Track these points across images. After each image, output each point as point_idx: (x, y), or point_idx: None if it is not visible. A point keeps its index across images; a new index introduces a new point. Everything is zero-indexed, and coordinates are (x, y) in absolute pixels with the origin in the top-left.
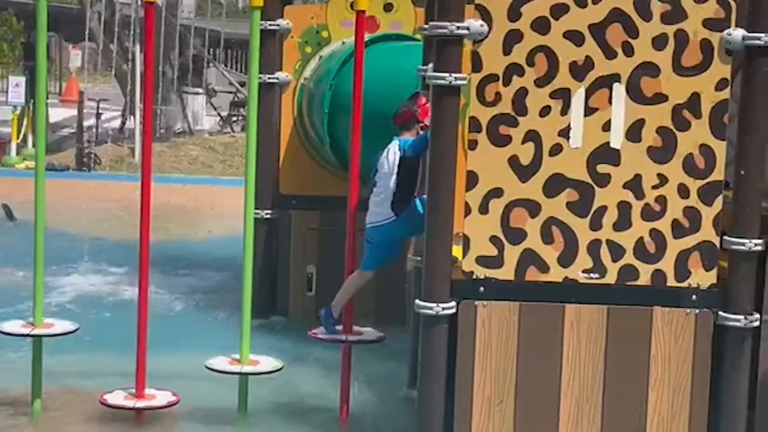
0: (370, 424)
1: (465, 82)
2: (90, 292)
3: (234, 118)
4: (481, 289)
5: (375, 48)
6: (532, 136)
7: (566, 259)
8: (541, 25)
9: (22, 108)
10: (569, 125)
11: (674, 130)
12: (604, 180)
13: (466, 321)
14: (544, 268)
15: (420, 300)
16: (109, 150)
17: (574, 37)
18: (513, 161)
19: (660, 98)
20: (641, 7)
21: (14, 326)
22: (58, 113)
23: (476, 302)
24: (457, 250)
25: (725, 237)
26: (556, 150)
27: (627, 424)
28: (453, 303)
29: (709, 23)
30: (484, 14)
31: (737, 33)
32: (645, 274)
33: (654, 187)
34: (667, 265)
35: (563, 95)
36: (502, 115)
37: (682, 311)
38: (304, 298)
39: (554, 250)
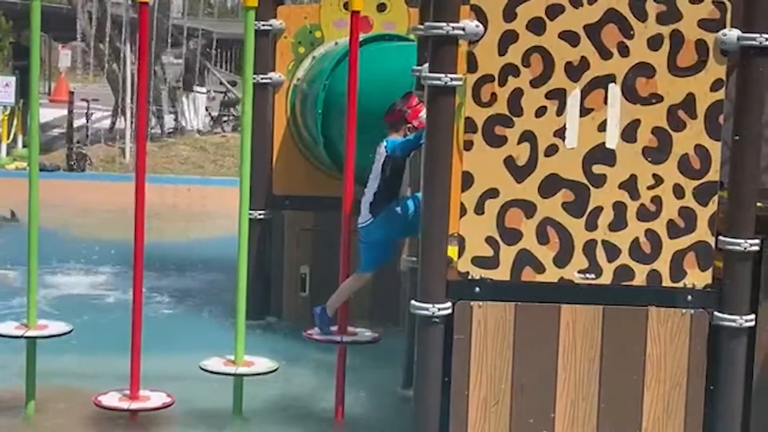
0: (365, 425)
1: (461, 82)
2: (83, 293)
3: (224, 118)
4: (477, 289)
5: (369, 48)
6: (527, 136)
7: (562, 259)
8: (536, 26)
9: (12, 108)
10: (565, 126)
11: (669, 130)
12: (599, 180)
13: (461, 321)
14: (539, 268)
15: (415, 301)
16: (100, 150)
17: (569, 37)
18: (508, 162)
19: (655, 98)
20: (636, 7)
21: (8, 328)
22: (47, 113)
23: (472, 303)
24: (452, 251)
25: (720, 237)
26: (551, 150)
27: (623, 425)
28: (449, 303)
29: (704, 24)
30: (480, 15)
31: (732, 33)
32: (640, 275)
33: (649, 188)
34: (662, 265)
35: (559, 96)
36: (497, 116)
37: (677, 311)
38: (297, 299)
39: (550, 251)
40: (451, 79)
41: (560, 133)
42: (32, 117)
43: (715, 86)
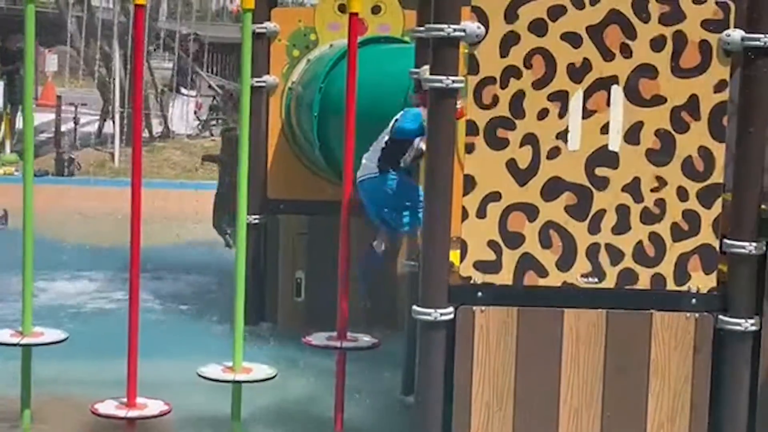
0: None
1: (462, 84)
2: (77, 299)
3: (213, 122)
4: (479, 294)
5: (365, 51)
6: (529, 139)
7: (565, 263)
8: (538, 27)
9: None
10: (567, 128)
11: (673, 132)
12: (602, 183)
13: (464, 327)
14: (542, 272)
15: (417, 306)
16: (89, 154)
17: (571, 38)
18: (511, 165)
19: (658, 100)
20: (639, 8)
21: (2, 335)
22: (34, 117)
23: (474, 308)
24: (453, 255)
25: (725, 240)
26: (554, 153)
27: (627, 430)
28: (451, 309)
29: (707, 24)
30: (481, 16)
31: (736, 34)
32: (644, 278)
33: (653, 190)
34: (666, 268)
35: (561, 98)
36: (499, 118)
37: (681, 315)
38: (293, 304)
39: (553, 255)
40: (453, 81)
41: (562, 135)
42: (26, 122)
43: (719, 87)
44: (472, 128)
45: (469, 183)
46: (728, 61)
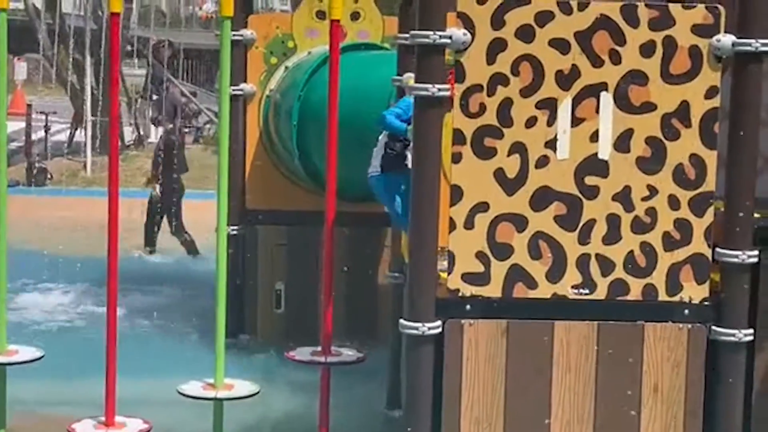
0: None
1: (448, 93)
2: (51, 312)
3: (186, 130)
4: (468, 307)
5: (345, 58)
6: (517, 147)
7: (555, 274)
8: (525, 33)
9: None
10: (556, 136)
11: (664, 139)
12: (592, 192)
13: (452, 340)
14: (532, 284)
15: (404, 320)
16: (61, 164)
17: (559, 45)
18: (498, 174)
19: (649, 107)
20: (628, 13)
21: None
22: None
23: (463, 321)
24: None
25: (717, 249)
26: (542, 162)
27: None
28: (439, 322)
29: (697, 29)
30: (467, 22)
31: (726, 39)
32: (636, 289)
33: (644, 199)
34: (658, 279)
35: (549, 105)
36: (486, 127)
37: (674, 326)
38: (272, 316)
39: (542, 266)
40: (439, 89)
41: (551, 144)
42: (0, 134)
43: (710, 93)
44: (459, 137)
45: (457, 193)
46: (719, 67)
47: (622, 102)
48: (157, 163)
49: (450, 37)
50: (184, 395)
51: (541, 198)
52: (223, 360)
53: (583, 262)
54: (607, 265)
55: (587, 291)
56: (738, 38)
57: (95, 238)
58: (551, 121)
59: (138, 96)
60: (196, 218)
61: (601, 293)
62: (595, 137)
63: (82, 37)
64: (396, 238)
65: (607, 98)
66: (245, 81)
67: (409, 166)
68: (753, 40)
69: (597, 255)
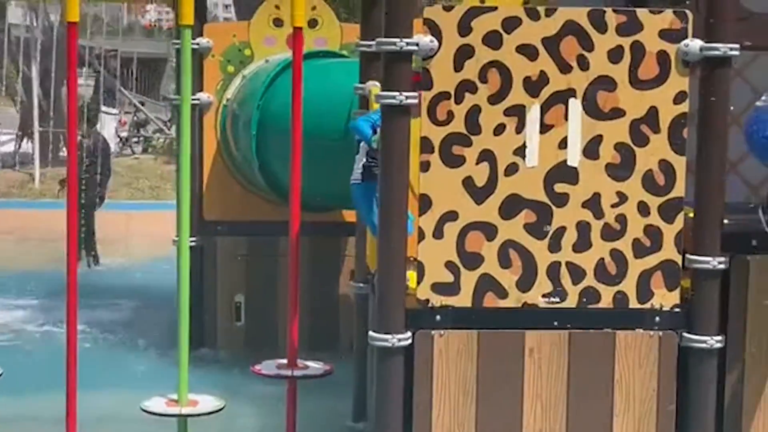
0: None
1: (416, 100)
2: (5, 328)
3: (135, 139)
4: (438, 317)
5: (304, 66)
6: (486, 155)
7: (525, 283)
8: (492, 40)
9: None
10: (524, 143)
11: (633, 145)
12: (561, 200)
13: (422, 352)
14: (502, 293)
15: (374, 332)
16: (7, 175)
17: (527, 51)
18: (467, 183)
19: (617, 113)
20: (596, 19)
21: None
22: None
23: (433, 332)
24: (410, 276)
25: (688, 256)
26: (511, 170)
27: None
28: (409, 333)
29: (665, 34)
30: (433, 29)
31: (695, 44)
32: (606, 297)
33: (613, 206)
34: (628, 286)
35: (518, 112)
36: (454, 135)
37: (645, 334)
38: (232, 329)
39: (512, 275)
40: (406, 97)
41: (520, 151)
42: None
43: (678, 99)
44: (426, 145)
45: (425, 202)
46: (687, 72)
47: (590, 108)
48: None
49: (417, 44)
50: (148, 412)
51: (511, 206)
52: (186, 376)
53: (553, 270)
54: (577, 273)
55: (558, 299)
56: (706, 43)
57: (47, 250)
58: (520, 128)
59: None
60: (150, 230)
61: (572, 301)
62: (564, 144)
63: (29, 48)
64: (361, 248)
65: (575, 104)
66: (202, 90)
67: None
68: (721, 45)
69: (567, 263)
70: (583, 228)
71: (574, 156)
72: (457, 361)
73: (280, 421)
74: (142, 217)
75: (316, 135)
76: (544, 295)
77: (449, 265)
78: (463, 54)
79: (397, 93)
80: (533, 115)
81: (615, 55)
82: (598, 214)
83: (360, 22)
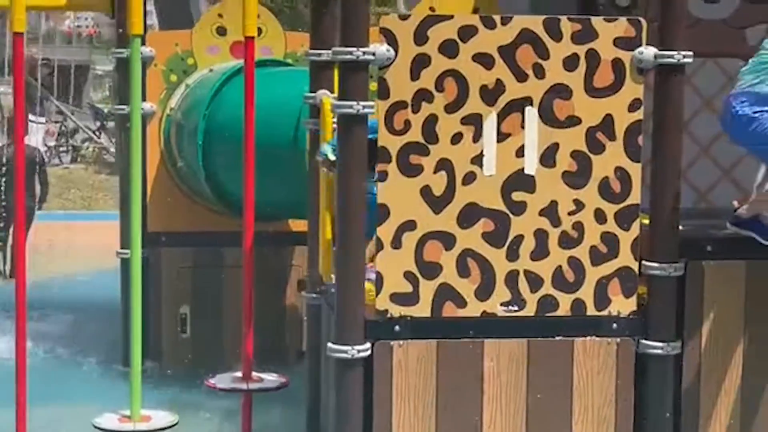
0: None
1: (373, 110)
2: None
3: (63, 149)
4: (397, 328)
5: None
6: (444, 164)
7: (483, 292)
8: (449, 49)
9: None
10: (482, 152)
11: (589, 153)
12: (519, 208)
13: (381, 363)
14: (461, 303)
15: (332, 343)
16: None
17: (483, 60)
18: (425, 192)
19: (573, 121)
20: (551, 27)
21: None
22: None
23: (392, 342)
24: (368, 287)
25: (644, 262)
26: (469, 179)
27: None
28: (368, 344)
29: (620, 42)
30: (390, 38)
31: (649, 51)
32: (564, 304)
33: (570, 213)
34: (586, 293)
35: (475, 121)
36: (412, 144)
37: (603, 341)
38: (178, 341)
39: (471, 284)
40: (363, 107)
41: (477, 160)
42: None
43: (633, 106)
44: (384, 155)
45: (384, 212)
46: (642, 80)
47: (546, 116)
48: None
49: (373, 54)
50: (100, 429)
51: (469, 215)
52: (139, 391)
53: (511, 278)
54: (535, 281)
55: (516, 308)
56: (660, 50)
57: None
58: (477, 137)
59: (10, 115)
60: (86, 241)
61: (530, 310)
62: (521, 152)
63: None
64: (314, 258)
65: (532, 113)
66: (144, 100)
67: None
68: (675, 52)
69: (525, 271)
70: (540, 236)
71: (531, 164)
72: (416, 371)
73: None
74: (76, 228)
75: (265, 144)
76: (502, 304)
77: (408, 275)
78: (420, 63)
79: (354, 102)
80: (490, 123)
81: (570, 63)
82: (556, 221)
83: (310, 30)
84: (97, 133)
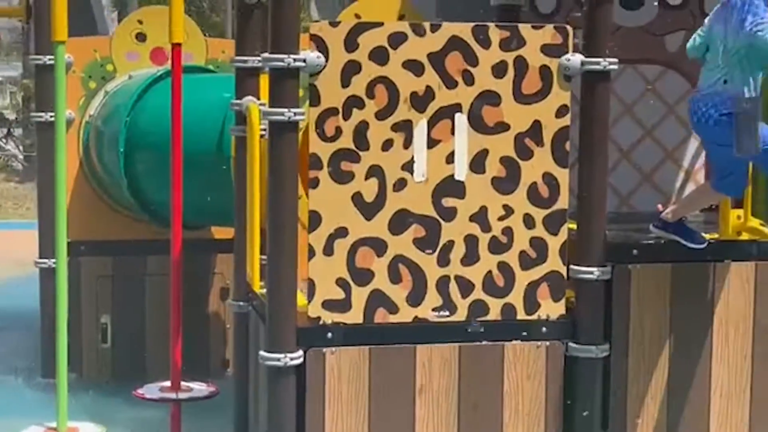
0: None
1: (304, 117)
2: None
3: None
4: (329, 334)
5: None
6: (375, 171)
7: (415, 298)
8: (379, 56)
9: None
10: (413, 158)
11: (518, 159)
12: (450, 214)
13: (314, 370)
14: (393, 308)
15: (265, 351)
16: None
17: (413, 67)
18: (356, 198)
19: (502, 127)
20: (479, 34)
21: None
22: None
23: (324, 349)
24: (299, 297)
25: (571, 267)
26: (400, 185)
27: None
28: (300, 352)
29: (547, 49)
30: (320, 45)
31: (576, 58)
32: (495, 309)
33: (500, 219)
34: (516, 297)
35: (405, 128)
36: (343, 151)
37: (532, 345)
38: (99, 351)
39: (403, 290)
40: (294, 113)
41: (408, 166)
42: None
43: (561, 112)
44: (315, 162)
45: (315, 219)
46: (569, 86)
47: (476, 123)
48: None
49: (304, 61)
50: None
51: (400, 221)
52: (66, 403)
53: (442, 284)
54: (466, 286)
55: (447, 313)
56: (587, 57)
57: None
58: (407, 144)
59: None
60: None
61: (461, 315)
62: (451, 158)
63: None
64: (240, 266)
65: (461, 119)
66: None
67: None
68: (601, 59)
69: (456, 276)
70: (470, 241)
71: (461, 170)
72: (349, 377)
73: None
74: None
75: (188, 151)
76: (434, 309)
77: (340, 282)
78: (350, 70)
79: (285, 109)
80: (420, 130)
81: (499, 70)
82: (485, 227)
83: (235, 37)
84: (4, 140)
